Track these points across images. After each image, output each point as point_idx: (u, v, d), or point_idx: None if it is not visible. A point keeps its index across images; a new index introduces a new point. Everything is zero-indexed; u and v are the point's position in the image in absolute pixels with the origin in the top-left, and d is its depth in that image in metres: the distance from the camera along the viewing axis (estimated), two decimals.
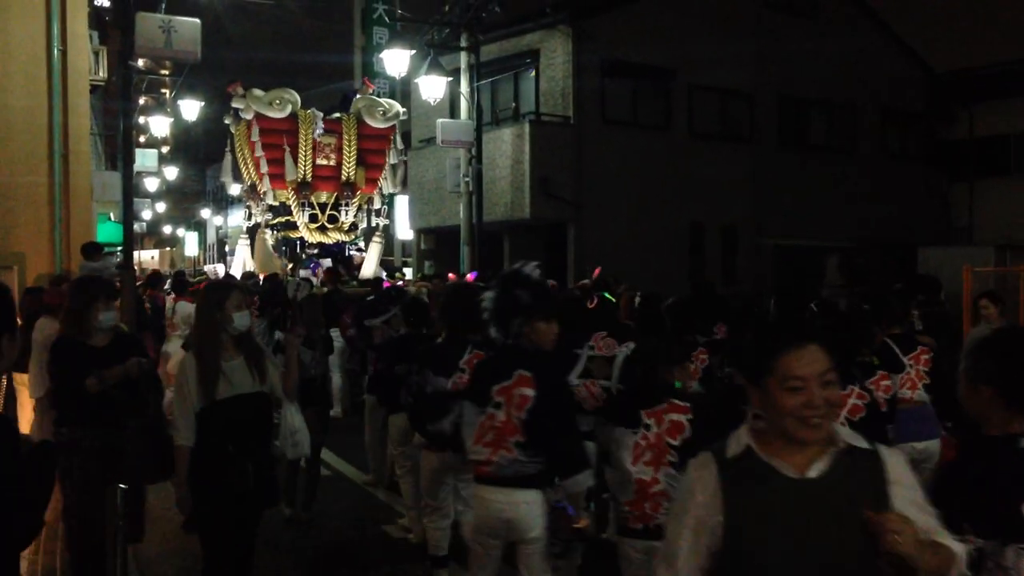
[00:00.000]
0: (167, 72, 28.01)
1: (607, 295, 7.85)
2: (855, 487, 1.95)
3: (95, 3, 15.17)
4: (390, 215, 17.79)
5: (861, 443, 2.01)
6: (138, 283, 12.07)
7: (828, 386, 1.96)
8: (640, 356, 3.88)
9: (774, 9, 18.64)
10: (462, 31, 15.47)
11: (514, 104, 17.72)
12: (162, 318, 10.92)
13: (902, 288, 7.50)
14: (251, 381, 3.90)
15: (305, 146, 14.60)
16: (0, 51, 10.84)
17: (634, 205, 16.53)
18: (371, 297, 9.98)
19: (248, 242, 16.18)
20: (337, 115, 15.31)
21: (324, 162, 14.88)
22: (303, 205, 14.76)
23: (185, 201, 45.30)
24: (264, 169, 14.52)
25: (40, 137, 11.00)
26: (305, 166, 14.62)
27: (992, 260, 14.03)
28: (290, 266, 14.65)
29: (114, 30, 15.51)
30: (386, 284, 12.19)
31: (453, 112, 17.02)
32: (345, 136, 14.97)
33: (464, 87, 15.40)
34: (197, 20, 10.76)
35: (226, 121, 15.68)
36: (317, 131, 14.66)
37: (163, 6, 14.56)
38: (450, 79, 15.24)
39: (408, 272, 19.35)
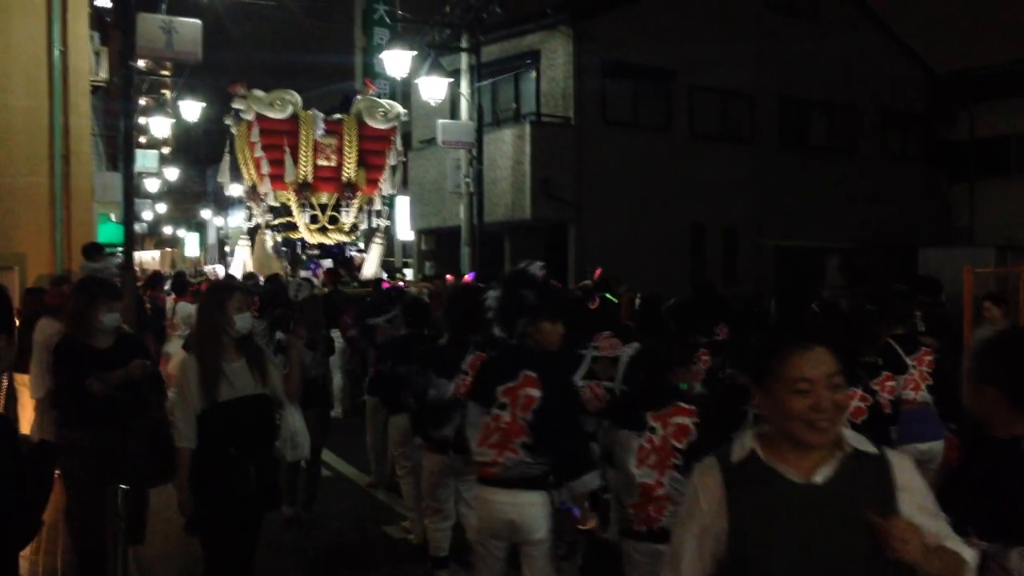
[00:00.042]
0: (168, 73, 28.00)
1: (609, 296, 7.84)
2: (861, 493, 1.92)
3: (96, 4, 15.15)
4: (391, 216, 17.78)
5: (868, 447, 1.98)
6: (139, 284, 12.07)
7: (836, 389, 1.93)
8: (645, 357, 3.84)
9: (775, 10, 18.64)
10: (463, 32, 15.46)
11: (515, 105, 17.72)
12: (163, 319, 10.92)
13: (905, 289, 7.48)
14: (253, 383, 3.89)
15: (306, 147, 14.58)
16: (1, 52, 10.84)
17: (635, 206, 16.52)
18: (369, 298, 9.99)
19: (248, 243, 16.16)
20: (338, 116, 15.29)
21: (325, 163, 14.86)
22: (304, 206, 14.74)
23: (186, 202, 45.23)
24: (265, 170, 14.50)
25: (41, 138, 11.01)
26: (306, 167, 14.61)
27: (993, 261, 14.04)
28: (287, 266, 14.63)
29: (115, 31, 15.48)
30: (385, 285, 12.19)
31: (454, 113, 17.01)
32: (346, 137, 14.95)
33: (465, 88, 15.39)
34: (198, 21, 10.76)
35: (227, 122, 15.65)
36: (318, 132, 14.65)
37: (164, 7, 14.57)
38: (451, 80, 15.24)
39: (409, 273, 19.35)
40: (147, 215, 32.92)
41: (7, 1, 10.92)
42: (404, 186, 18.34)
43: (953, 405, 5.17)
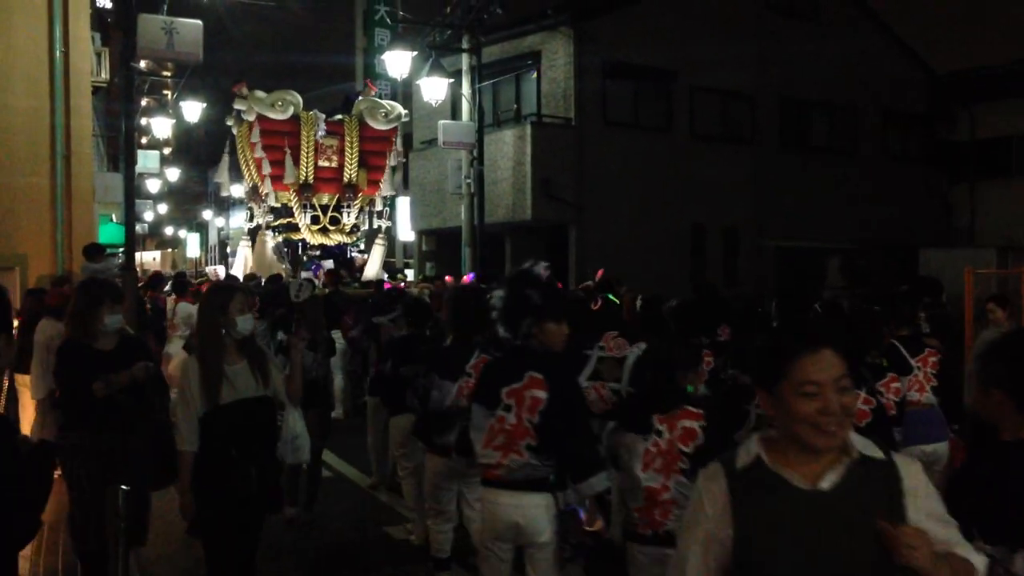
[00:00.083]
0: (169, 73, 28.02)
1: (611, 296, 7.83)
2: (869, 499, 1.89)
3: (97, 5, 15.17)
4: (391, 217, 17.78)
5: (876, 453, 1.95)
6: (139, 284, 12.07)
7: (843, 391, 1.90)
8: (652, 358, 3.78)
9: (775, 11, 18.64)
10: (464, 33, 15.45)
11: (516, 106, 17.71)
12: (163, 319, 10.91)
13: (908, 290, 7.47)
14: (254, 385, 3.87)
15: (307, 148, 14.59)
16: (2, 53, 10.85)
17: (635, 207, 16.52)
18: (372, 299, 9.98)
19: (250, 244, 16.16)
20: (339, 117, 15.30)
21: (326, 164, 14.87)
22: (305, 207, 14.74)
23: (187, 202, 45.24)
24: (266, 171, 14.50)
25: (42, 138, 11.02)
26: (307, 168, 14.61)
27: (994, 262, 14.00)
28: (288, 267, 14.63)
29: (116, 32, 15.48)
30: (387, 285, 12.20)
31: (455, 114, 17.01)
32: (347, 138, 14.96)
33: (466, 89, 15.39)
34: (199, 22, 10.75)
35: (228, 122, 15.67)
36: (319, 133, 14.66)
37: (165, 7, 14.56)
38: (452, 81, 15.24)
39: (410, 273, 19.35)
40: (148, 216, 32.92)
41: (8, 2, 10.93)
42: (405, 187, 18.32)
43: (954, 405, 5.18)
